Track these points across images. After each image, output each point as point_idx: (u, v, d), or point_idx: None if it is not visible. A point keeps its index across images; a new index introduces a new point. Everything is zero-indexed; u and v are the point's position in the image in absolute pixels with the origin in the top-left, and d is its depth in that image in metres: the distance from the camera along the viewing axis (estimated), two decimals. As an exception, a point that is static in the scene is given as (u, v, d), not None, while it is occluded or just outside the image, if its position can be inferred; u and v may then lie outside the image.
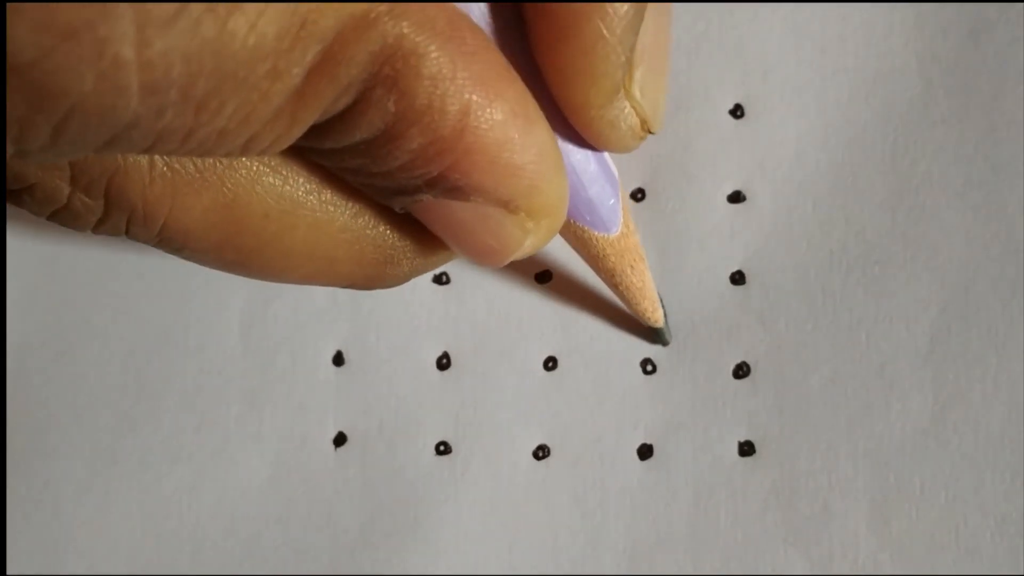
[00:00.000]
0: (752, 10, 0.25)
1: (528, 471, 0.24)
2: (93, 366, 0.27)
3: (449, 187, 0.17)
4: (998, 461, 0.22)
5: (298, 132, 0.15)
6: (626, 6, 0.17)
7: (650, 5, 0.18)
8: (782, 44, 0.24)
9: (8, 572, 0.26)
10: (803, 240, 0.24)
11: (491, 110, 0.16)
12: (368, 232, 0.18)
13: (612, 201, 0.21)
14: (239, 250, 0.17)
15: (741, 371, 0.24)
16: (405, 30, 0.15)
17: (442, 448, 0.25)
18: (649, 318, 0.23)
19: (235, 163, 0.17)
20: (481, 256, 0.18)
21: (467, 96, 0.16)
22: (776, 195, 0.24)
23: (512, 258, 0.18)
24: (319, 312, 0.26)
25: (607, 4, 0.17)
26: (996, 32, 0.23)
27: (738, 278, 0.24)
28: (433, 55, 0.15)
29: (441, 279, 0.25)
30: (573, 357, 0.24)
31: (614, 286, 0.23)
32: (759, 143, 0.24)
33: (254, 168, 0.17)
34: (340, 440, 0.25)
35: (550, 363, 0.25)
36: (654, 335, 0.24)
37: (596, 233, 0.21)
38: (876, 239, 0.23)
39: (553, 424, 0.24)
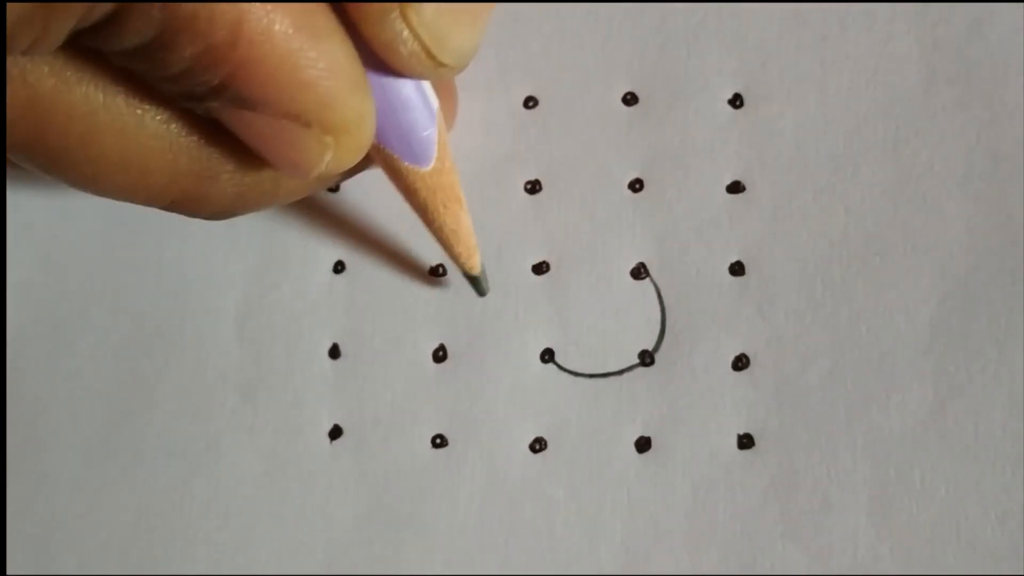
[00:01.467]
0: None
1: (525, 464, 0.24)
2: (88, 360, 0.27)
3: (233, 97, 0.16)
4: (999, 454, 0.22)
5: (59, 33, 0.15)
6: None
7: None
8: (781, 32, 0.24)
9: (5, 569, 0.26)
10: (803, 230, 0.24)
11: (268, 21, 0.16)
12: (181, 140, 0.18)
13: (426, 132, 0.20)
14: (46, 151, 0.17)
15: (740, 363, 0.23)
16: None
17: (438, 441, 0.25)
18: (464, 264, 0.23)
19: (36, 59, 0.16)
20: (286, 168, 0.18)
21: (241, 6, 0.15)
22: (776, 185, 0.24)
23: (318, 172, 0.18)
24: (315, 305, 0.26)
25: None
26: (998, 21, 0.23)
27: (737, 269, 0.24)
28: None
29: (437, 271, 0.25)
30: (570, 349, 0.24)
31: (427, 224, 0.22)
32: (758, 133, 0.24)
33: (59, 66, 0.17)
34: (335, 433, 0.25)
35: (546, 355, 0.24)
36: (472, 284, 0.24)
37: (406, 164, 0.20)
38: (876, 229, 0.23)
39: (550, 417, 0.24)
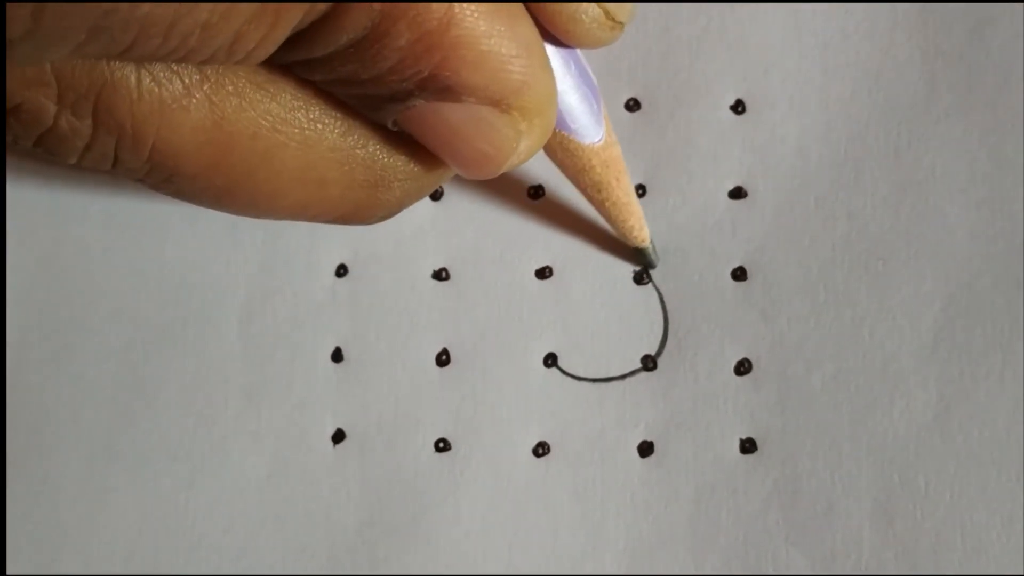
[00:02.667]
0: (753, 5, 0.25)
1: (528, 468, 0.24)
2: (91, 363, 0.27)
3: (440, 87, 0.17)
4: (1004, 458, 0.22)
5: (282, 33, 0.15)
6: None
7: None
8: (784, 39, 0.24)
9: (6, 569, 0.26)
10: (805, 236, 0.24)
11: (475, 5, 0.16)
12: (358, 152, 0.18)
13: (595, 107, 0.21)
14: (229, 172, 0.17)
15: (743, 368, 0.23)
16: None
17: (441, 445, 0.25)
18: (636, 236, 0.23)
19: (223, 79, 0.17)
20: (476, 165, 0.18)
21: None
22: (778, 191, 0.24)
23: (507, 166, 0.18)
24: (318, 308, 0.26)
25: None
26: (1000, 26, 0.23)
27: (740, 274, 0.24)
28: None
29: (441, 275, 0.25)
30: (573, 353, 0.24)
31: (600, 203, 0.22)
32: (760, 139, 0.24)
33: (241, 84, 0.17)
34: (339, 437, 0.25)
35: (550, 360, 0.24)
36: (639, 256, 0.24)
37: (582, 142, 0.21)
38: (879, 234, 0.23)
39: (553, 421, 0.24)
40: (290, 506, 0.25)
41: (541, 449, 0.24)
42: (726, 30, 0.25)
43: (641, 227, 0.23)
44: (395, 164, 0.19)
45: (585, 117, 0.20)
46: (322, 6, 0.15)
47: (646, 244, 0.23)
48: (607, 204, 0.22)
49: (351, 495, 0.25)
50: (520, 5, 0.17)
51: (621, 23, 0.19)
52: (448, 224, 0.25)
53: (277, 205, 0.18)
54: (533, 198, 0.25)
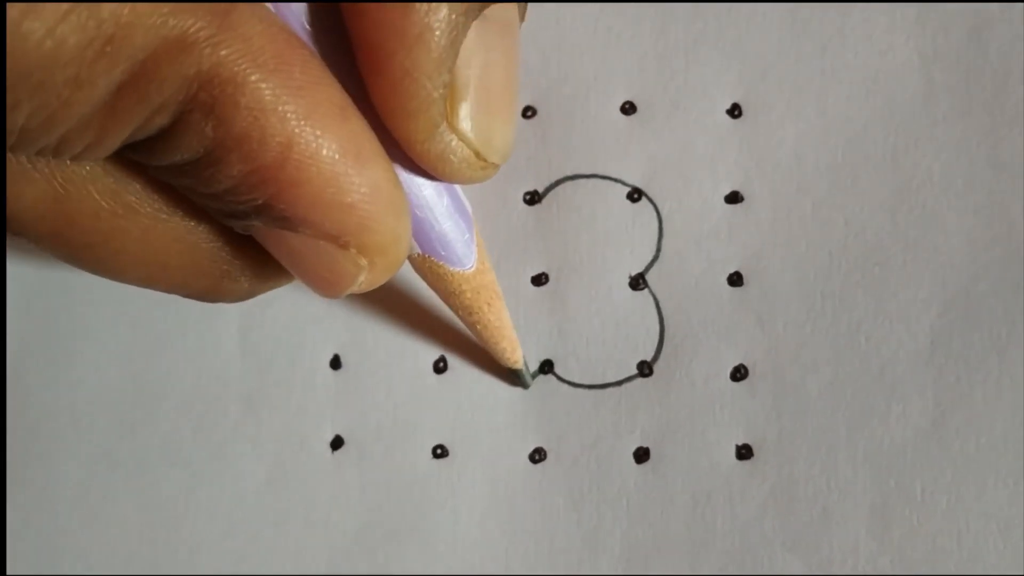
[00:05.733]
0: (750, 7, 0.24)
1: (525, 475, 0.24)
2: (91, 369, 0.27)
3: (276, 216, 0.17)
4: (1001, 465, 0.22)
5: (112, 143, 0.16)
6: (433, 43, 0.17)
7: (481, 39, 0.18)
8: (781, 42, 0.24)
9: (7, 574, 0.26)
10: (802, 241, 0.23)
11: (316, 145, 0.16)
12: (204, 246, 0.18)
13: (467, 236, 0.21)
14: (69, 244, 0.18)
15: (739, 374, 0.23)
16: (224, 58, 0.15)
17: (439, 452, 0.25)
18: (508, 359, 0.23)
19: (68, 160, 0.17)
20: (316, 286, 0.18)
21: (291, 129, 0.16)
22: (775, 195, 0.24)
23: (349, 291, 0.18)
24: (317, 316, 0.26)
25: (413, 43, 0.17)
26: (998, 30, 0.23)
27: (736, 279, 0.24)
28: (252, 85, 0.15)
29: (437, 282, 0.25)
30: (569, 360, 0.24)
31: (472, 324, 0.22)
32: (757, 143, 0.24)
33: (88, 168, 0.17)
34: (337, 444, 0.25)
35: (546, 366, 0.24)
36: (513, 377, 0.24)
37: (451, 268, 0.21)
38: (876, 240, 0.23)
39: (550, 428, 0.24)
40: (289, 512, 0.25)
41: (538, 455, 0.24)
42: (722, 33, 0.25)
43: (514, 349, 0.23)
44: (243, 263, 0.19)
45: (456, 246, 0.20)
46: (156, 124, 0.15)
47: (519, 366, 0.24)
48: (478, 327, 0.22)
49: (349, 501, 0.25)
50: (374, 146, 0.17)
51: (494, 164, 0.19)
52: (444, 231, 0.25)
53: (121, 277, 0.18)
54: (528, 204, 0.25)
